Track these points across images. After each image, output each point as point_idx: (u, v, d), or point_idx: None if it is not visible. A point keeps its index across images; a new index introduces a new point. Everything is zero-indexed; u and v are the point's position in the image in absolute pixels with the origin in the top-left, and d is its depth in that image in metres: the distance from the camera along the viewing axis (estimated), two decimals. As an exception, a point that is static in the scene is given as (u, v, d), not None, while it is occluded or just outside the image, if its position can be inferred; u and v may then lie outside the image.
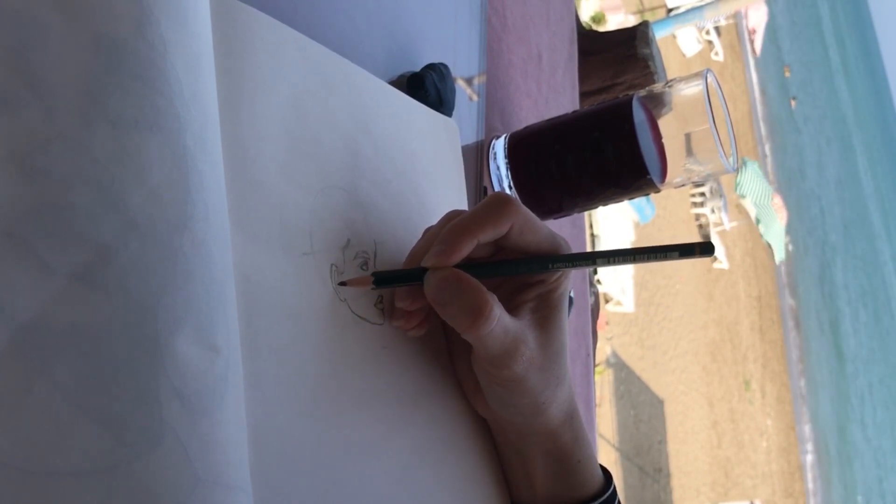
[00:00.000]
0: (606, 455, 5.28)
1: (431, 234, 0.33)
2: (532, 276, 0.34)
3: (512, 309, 0.33)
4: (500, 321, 0.30)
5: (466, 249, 0.31)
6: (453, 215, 0.33)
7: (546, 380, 0.32)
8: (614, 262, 0.32)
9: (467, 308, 0.30)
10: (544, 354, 0.32)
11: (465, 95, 0.54)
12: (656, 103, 0.50)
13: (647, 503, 6.05)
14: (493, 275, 0.32)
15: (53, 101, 0.21)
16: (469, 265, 0.31)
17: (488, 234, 0.31)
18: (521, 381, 0.32)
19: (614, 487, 0.37)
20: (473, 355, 0.33)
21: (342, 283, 0.31)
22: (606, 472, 0.38)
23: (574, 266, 0.33)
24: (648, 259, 0.31)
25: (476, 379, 0.34)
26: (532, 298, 0.33)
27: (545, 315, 0.33)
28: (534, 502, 0.36)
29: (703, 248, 0.30)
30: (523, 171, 0.53)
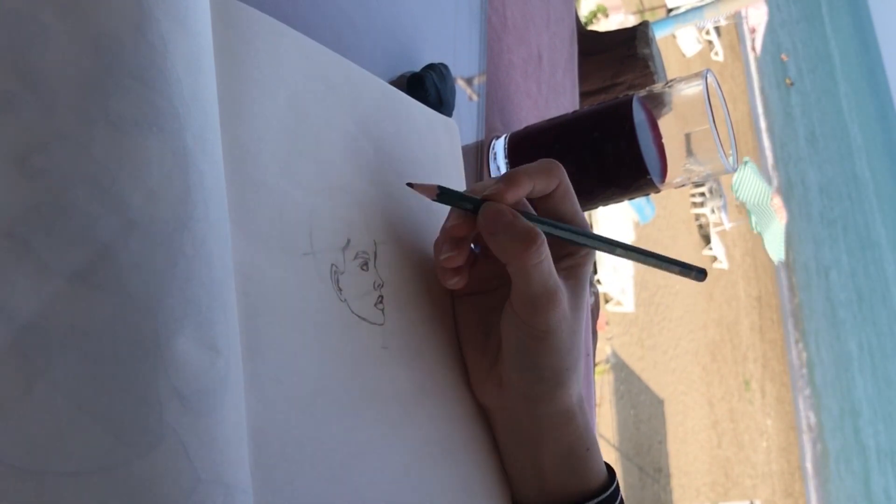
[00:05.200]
0: (606, 455, 5.24)
1: (483, 185, 0.35)
2: (562, 249, 0.35)
3: None
4: (547, 258, 0.32)
5: (524, 190, 0.33)
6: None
7: (572, 343, 0.33)
8: (629, 256, 0.36)
9: (519, 235, 0.31)
10: (573, 317, 0.34)
11: (465, 95, 0.54)
12: (656, 103, 0.50)
13: (647, 503, 6.05)
14: (541, 226, 0.34)
15: (53, 101, 0.21)
16: (519, 211, 0.33)
17: (540, 185, 0.34)
18: (553, 333, 0.33)
19: (617, 482, 0.37)
20: (510, 301, 0.33)
21: (409, 185, 0.33)
22: (609, 467, 0.38)
23: (613, 250, 0.36)
24: (653, 263, 0.36)
25: (487, 360, 0.35)
26: (562, 269, 0.35)
27: (573, 285, 0.35)
28: (541, 495, 0.36)
29: (698, 273, 0.36)
30: (523, 171, 0.53)
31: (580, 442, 0.35)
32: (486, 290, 0.37)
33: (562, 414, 0.35)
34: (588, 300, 0.36)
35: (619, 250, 0.35)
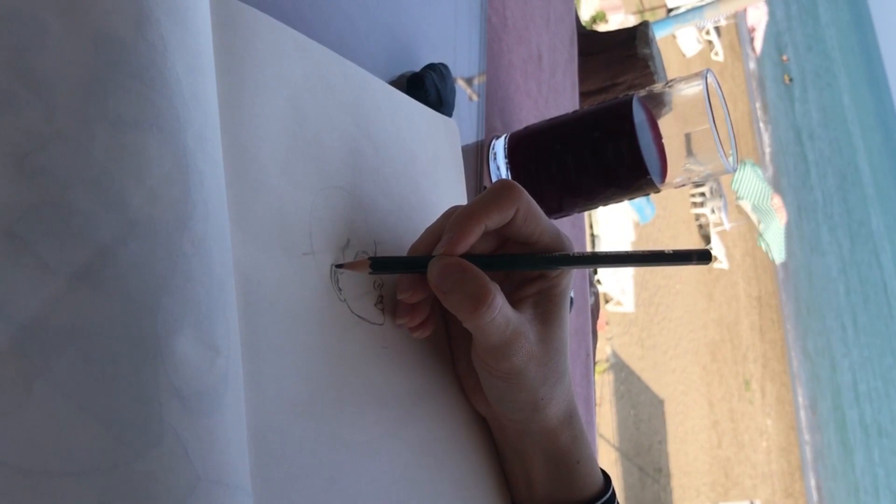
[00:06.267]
0: (606, 455, 5.28)
1: (431, 231, 0.33)
2: (532, 271, 0.34)
3: (514, 303, 0.33)
4: (501, 311, 0.30)
5: (474, 236, 0.31)
6: (453, 210, 0.33)
7: (545, 375, 0.33)
8: (617, 265, 0.32)
9: (470, 295, 0.30)
10: (544, 349, 0.33)
11: (465, 95, 0.54)
12: (656, 103, 0.50)
13: (647, 503, 6.05)
14: (495, 268, 0.33)
15: (53, 101, 0.21)
16: (472, 256, 0.32)
17: (494, 220, 0.32)
18: (520, 374, 0.32)
19: (613, 490, 0.37)
20: (473, 347, 0.33)
21: (338, 266, 0.31)
22: (605, 475, 0.38)
23: (574, 266, 0.33)
24: (647, 264, 0.32)
25: (476, 375, 0.34)
26: (533, 294, 0.34)
27: (546, 310, 0.33)
28: (533, 502, 0.36)
29: (700, 257, 0.30)
30: (523, 171, 0.53)
31: (568, 456, 0.35)
32: None
33: (543, 433, 0.35)
34: (569, 316, 0.35)
35: (600, 264, 0.33)
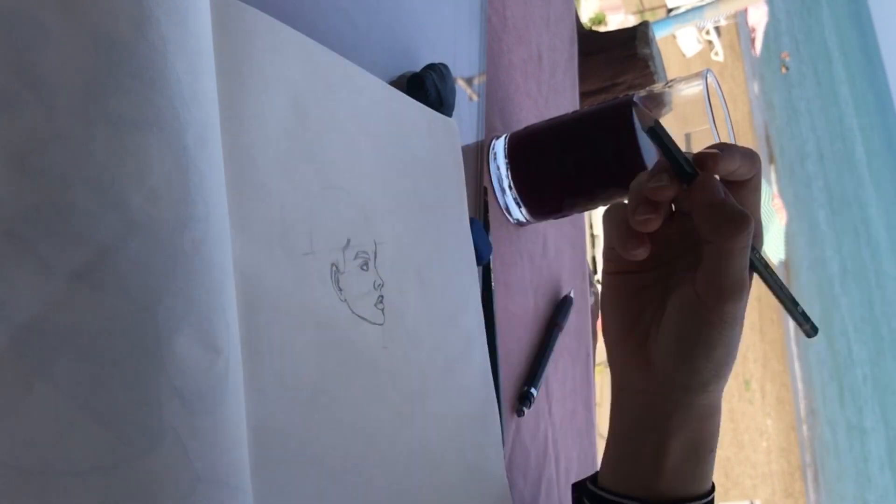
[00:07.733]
0: (606, 455, 5.27)
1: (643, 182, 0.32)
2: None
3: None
4: (749, 247, 0.30)
5: (735, 165, 0.31)
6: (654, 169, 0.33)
7: (737, 343, 0.33)
8: (769, 281, 0.33)
9: (734, 215, 0.30)
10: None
11: (465, 95, 0.54)
12: (656, 103, 0.50)
13: (647, 503, 6.04)
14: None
15: (53, 101, 0.21)
16: None
17: (744, 169, 0.32)
18: (732, 324, 0.31)
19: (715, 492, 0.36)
20: (697, 286, 0.32)
21: (633, 103, 0.32)
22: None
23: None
24: (779, 296, 0.34)
25: (633, 345, 0.34)
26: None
27: None
28: (650, 486, 0.35)
29: (812, 328, 0.34)
30: (523, 171, 0.53)
31: (711, 441, 0.34)
32: (639, 270, 0.35)
33: (708, 407, 0.34)
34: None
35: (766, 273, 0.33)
